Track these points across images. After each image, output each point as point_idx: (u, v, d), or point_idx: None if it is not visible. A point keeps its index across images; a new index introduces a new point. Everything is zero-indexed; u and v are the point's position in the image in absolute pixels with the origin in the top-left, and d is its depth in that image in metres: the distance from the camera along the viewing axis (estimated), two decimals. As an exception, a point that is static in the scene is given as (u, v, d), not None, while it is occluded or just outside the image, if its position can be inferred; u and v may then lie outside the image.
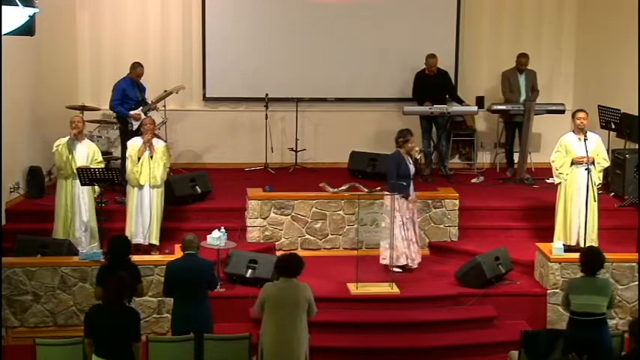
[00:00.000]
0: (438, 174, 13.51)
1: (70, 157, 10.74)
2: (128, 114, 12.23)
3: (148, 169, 10.91)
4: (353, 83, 14.36)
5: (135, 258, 9.84)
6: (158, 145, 11.08)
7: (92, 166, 10.76)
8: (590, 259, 8.61)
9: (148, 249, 10.99)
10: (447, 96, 13.68)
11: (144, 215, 10.94)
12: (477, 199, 12.31)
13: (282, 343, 8.03)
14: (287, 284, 8.13)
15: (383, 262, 10.82)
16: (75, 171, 10.70)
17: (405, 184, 10.68)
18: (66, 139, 10.85)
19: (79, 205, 10.84)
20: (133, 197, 10.98)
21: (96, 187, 10.75)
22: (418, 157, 10.80)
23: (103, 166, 11.03)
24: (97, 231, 10.92)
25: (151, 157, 10.91)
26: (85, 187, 10.78)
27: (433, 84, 13.50)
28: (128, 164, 10.99)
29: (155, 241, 11.00)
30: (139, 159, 10.90)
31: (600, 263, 8.64)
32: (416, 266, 10.96)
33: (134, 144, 11.05)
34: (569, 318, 8.68)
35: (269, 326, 8.10)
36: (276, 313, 8.06)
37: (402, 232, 10.71)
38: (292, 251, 10.99)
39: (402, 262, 10.80)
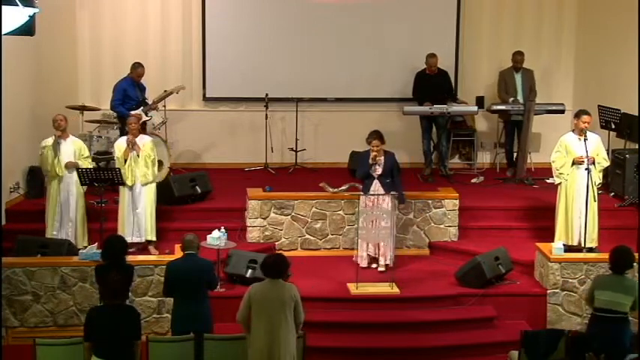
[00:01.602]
0: (438, 174, 13.51)
1: (56, 160, 10.76)
2: (129, 114, 12.20)
3: (136, 168, 10.92)
4: (353, 83, 14.36)
5: (135, 258, 9.86)
6: (144, 141, 11.06)
7: (80, 162, 10.80)
8: (618, 258, 8.64)
9: (146, 246, 11.02)
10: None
11: (139, 214, 10.95)
12: (477, 199, 12.31)
13: (270, 343, 7.98)
14: (272, 285, 8.10)
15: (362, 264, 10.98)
16: (58, 173, 10.73)
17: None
18: (51, 140, 10.84)
19: (67, 205, 10.84)
20: (124, 197, 10.98)
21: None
22: (371, 162, 10.75)
23: (90, 161, 11.08)
24: (86, 231, 10.92)
25: (138, 155, 10.92)
26: (75, 187, 10.80)
27: (433, 84, 13.48)
28: (116, 166, 10.99)
29: (151, 236, 11.03)
30: (125, 160, 10.89)
31: (629, 262, 8.66)
32: (382, 269, 10.87)
33: (120, 145, 11.04)
34: (591, 314, 8.73)
35: (256, 327, 8.06)
36: (262, 314, 8.02)
37: (365, 231, 10.74)
38: (291, 251, 11.05)
39: (364, 264, 10.92)
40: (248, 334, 8.18)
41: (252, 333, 8.09)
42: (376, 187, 10.80)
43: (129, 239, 10.69)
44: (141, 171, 10.93)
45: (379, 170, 10.78)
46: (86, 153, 11.06)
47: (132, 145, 10.89)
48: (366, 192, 10.82)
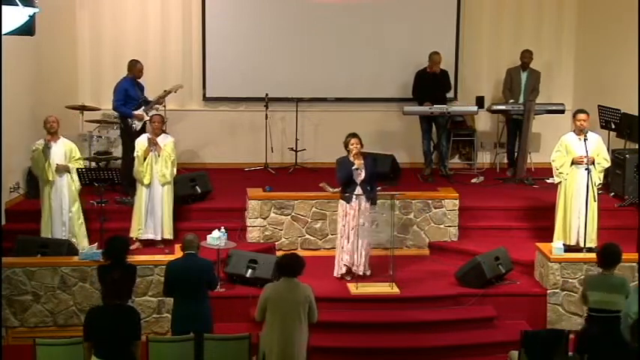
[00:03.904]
0: (438, 174, 13.51)
1: (47, 164, 10.67)
2: (132, 114, 12.21)
3: (156, 167, 10.97)
4: (353, 83, 14.36)
5: (135, 258, 9.86)
6: (166, 141, 11.12)
7: (71, 165, 10.75)
8: (605, 255, 8.65)
9: (154, 243, 11.12)
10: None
11: (155, 212, 11.05)
12: (477, 199, 12.31)
13: (284, 342, 8.02)
14: (287, 284, 8.14)
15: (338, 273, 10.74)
16: (50, 178, 10.66)
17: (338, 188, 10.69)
18: (41, 143, 10.73)
19: (60, 209, 10.79)
20: (141, 195, 11.04)
21: (77, 183, 10.73)
22: (352, 159, 10.43)
23: (82, 162, 11.06)
24: (84, 231, 10.90)
25: (159, 155, 10.96)
26: (67, 190, 10.75)
27: (433, 83, 13.48)
28: (135, 163, 11.07)
29: (169, 235, 11.15)
30: (145, 158, 10.94)
31: (614, 259, 8.65)
32: (360, 273, 10.60)
33: (141, 143, 11.10)
34: (587, 314, 8.71)
35: (270, 326, 8.11)
36: (277, 313, 8.07)
37: (345, 240, 10.58)
38: (292, 251, 11.01)
39: (342, 271, 10.68)
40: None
41: (266, 331, 8.13)
42: (357, 192, 10.50)
43: (143, 236, 10.79)
44: (160, 171, 11.00)
45: (362, 175, 10.49)
46: (77, 154, 10.91)
47: (154, 146, 10.93)
48: (349, 199, 10.48)
